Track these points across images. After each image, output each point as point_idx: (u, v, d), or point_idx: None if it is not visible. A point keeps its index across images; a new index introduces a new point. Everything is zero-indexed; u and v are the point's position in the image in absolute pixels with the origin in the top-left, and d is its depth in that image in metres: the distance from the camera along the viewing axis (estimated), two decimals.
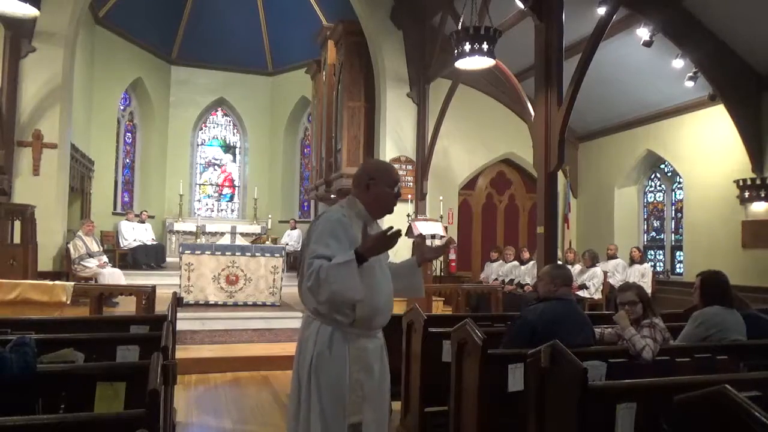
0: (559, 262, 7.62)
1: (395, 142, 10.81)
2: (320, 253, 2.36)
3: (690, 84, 8.80)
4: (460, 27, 7.28)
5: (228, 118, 16.88)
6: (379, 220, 2.75)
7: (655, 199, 11.38)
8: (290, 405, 2.57)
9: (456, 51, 7.12)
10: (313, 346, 2.46)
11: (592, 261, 9.31)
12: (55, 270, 8.90)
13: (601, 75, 9.06)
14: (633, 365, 3.25)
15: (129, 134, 14.90)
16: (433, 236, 9.80)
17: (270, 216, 14.85)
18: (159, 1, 13.89)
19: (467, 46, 6.93)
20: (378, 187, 2.55)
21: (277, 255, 9.04)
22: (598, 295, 9.17)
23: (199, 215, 15.78)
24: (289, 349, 6.56)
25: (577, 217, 12.38)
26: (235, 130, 16.93)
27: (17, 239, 8.32)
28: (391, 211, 2.65)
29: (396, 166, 10.63)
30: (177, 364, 3.52)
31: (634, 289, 3.67)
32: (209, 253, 8.71)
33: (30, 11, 6.58)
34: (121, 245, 12.03)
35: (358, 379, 2.46)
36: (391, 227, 2.34)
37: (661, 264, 11.01)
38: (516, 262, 10.09)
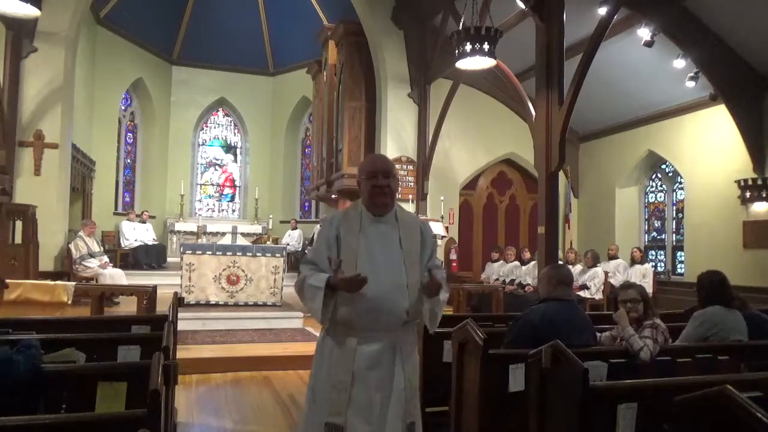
0: (560, 262, 7.61)
1: (396, 142, 10.81)
2: (308, 258, 2.62)
3: (691, 84, 8.80)
4: (461, 27, 7.28)
5: (229, 118, 16.89)
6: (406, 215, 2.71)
7: (656, 199, 11.38)
8: None
9: (457, 51, 7.12)
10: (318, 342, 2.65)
11: (593, 261, 9.32)
12: (57, 270, 8.91)
13: (602, 75, 9.06)
14: (634, 365, 3.24)
15: (130, 134, 14.92)
16: (434, 236, 9.80)
17: (271, 216, 14.86)
18: (160, 1, 13.91)
19: (468, 47, 6.93)
20: (363, 183, 2.59)
21: (278, 255, 9.04)
22: (599, 296, 9.17)
23: (200, 215, 15.80)
24: (290, 349, 6.57)
25: (578, 218, 12.38)
26: (236, 130, 16.95)
27: (18, 239, 8.34)
28: (379, 204, 2.55)
29: (397, 166, 10.65)
30: (178, 364, 3.51)
31: (637, 288, 3.66)
32: (210, 253, 8.72)
33: (31, 11, 6.59)
34: (122, 245, 12.04)
35: (343, 380, 2.42)
36: (359, 274, 2.35)
37: (662, 264, 11.00)
38: (517, 263, 10.08)
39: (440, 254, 10.96)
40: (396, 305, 2.47)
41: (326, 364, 2.49)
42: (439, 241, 10.40)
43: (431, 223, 9.85)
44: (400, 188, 10.48)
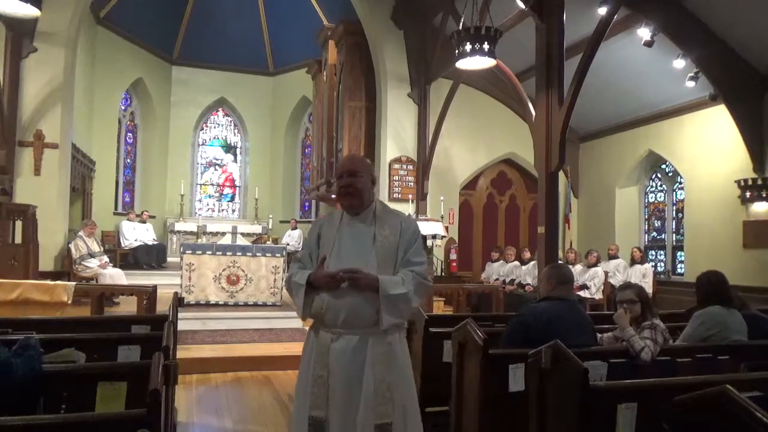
0: (560, 262, 7.62)
1: (396, 142, 10.81)
2: (296, 257, 2.79)
3: (691, 84, 8.79)
4: (461, 27, 7.27)
5: (229, 118, 16.89)
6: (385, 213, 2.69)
7: (656, 199, 11.38)
8: None
9: (457, 51, 7.12)
10: None
11: (596, 261, 9.34)
12: (57, 270, 8.90)
13: (602, 75, 9.06)
14: (634, 365, 3.24)
15: (130, 134, 14.91)
16: (434, 236, 9.80)
17: (271, 216, 14.86)
18: (160, 1, 13.90)
19: (468, 46, 6.92)
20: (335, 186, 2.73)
21: (278, 255, 9.04)
22: (599, 295, 9.17)
23: (200, 215, 15.81)
24: (290, 348, 6.57)
25: (578, 217, 12.38)
26: (236, 130, 16.95)
27: (18, 239, 8.32)
28: (345, 203, 2.62)
29: (397, 166, 10.77)
30: (178, 364, 3.51)
31: (635, 289, 3.67)
32: (210, 253, 8.72)
33: (31, 11, 6.59)
34: (122, 245, 12.03)
35: (321, 375, 2.48)
36: (339, 271, 2.45)
37: (662, 264, 11.00)
38: (517, 262, 10.09)
39: (440, 254, 10.96)
40: (364, 303, 2.45)
41: (306, 359, 2.59)
42: (439, 241, 10.41)
43: (431, 223, 9.86)
44: (399, 188, 10.64)
